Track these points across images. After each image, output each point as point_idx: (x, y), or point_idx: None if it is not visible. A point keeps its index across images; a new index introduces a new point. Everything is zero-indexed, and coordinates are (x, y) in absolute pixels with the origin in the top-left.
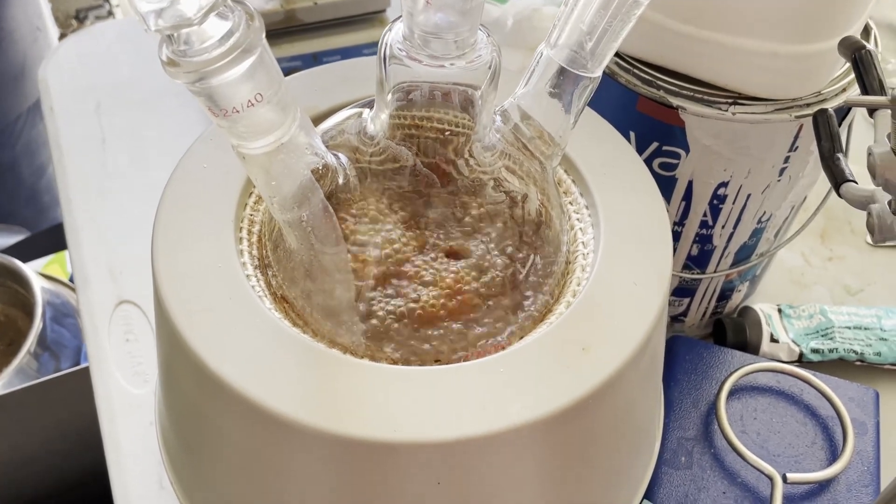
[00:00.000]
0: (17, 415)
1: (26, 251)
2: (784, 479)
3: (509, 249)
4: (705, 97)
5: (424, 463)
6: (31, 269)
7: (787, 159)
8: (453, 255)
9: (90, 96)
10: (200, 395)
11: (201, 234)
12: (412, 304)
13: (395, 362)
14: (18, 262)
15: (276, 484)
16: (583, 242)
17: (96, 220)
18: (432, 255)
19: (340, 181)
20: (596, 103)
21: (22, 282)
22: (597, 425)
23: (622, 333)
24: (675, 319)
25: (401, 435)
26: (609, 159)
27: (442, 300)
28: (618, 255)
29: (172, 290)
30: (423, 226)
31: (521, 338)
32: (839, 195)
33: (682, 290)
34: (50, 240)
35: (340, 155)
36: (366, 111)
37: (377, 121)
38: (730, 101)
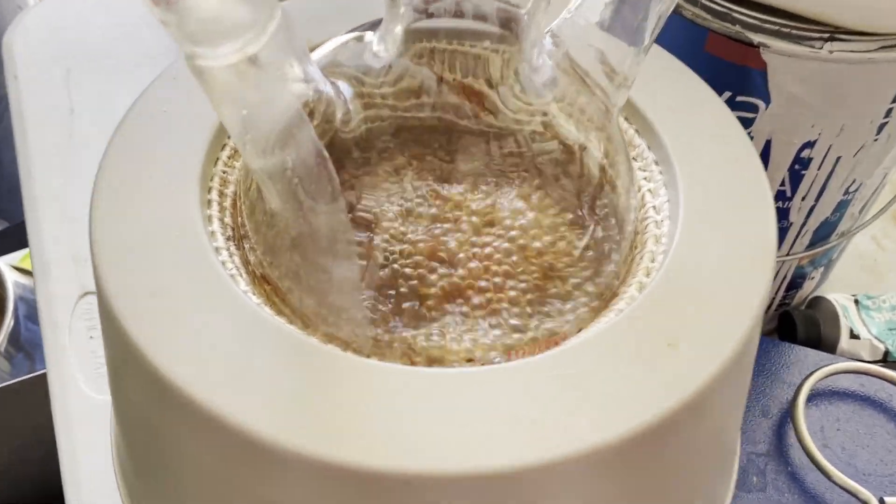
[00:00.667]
0: None
1: (3, 244)
2: (881, 503)
3: (562, 216)
4: (794, 32)
5: (449, 502)
6: (2, 263)
7: (888, 112)
8: (489, 222)
9: (59, 64)
10: (152, 408)
11: (156, 197)
12: (435, 288)
13: (412, 363)
14: None
15: None
16: (654, 207)
17: (59, 199)
18: (462, 221)
19: (339, 117)
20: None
21: None
22: (683, 446)
23: (720, 324)
24: None
25: (419, 465)
26: (682, 102)
27: (475, 281)
28: (703, 221)
29: (114, 270)
30: (450, 182)
31: (580, 330)
32: None
33: None
34: None
35: (340, 83)
36: (368, 34)
37: (388, 38)
38: (825, 36)
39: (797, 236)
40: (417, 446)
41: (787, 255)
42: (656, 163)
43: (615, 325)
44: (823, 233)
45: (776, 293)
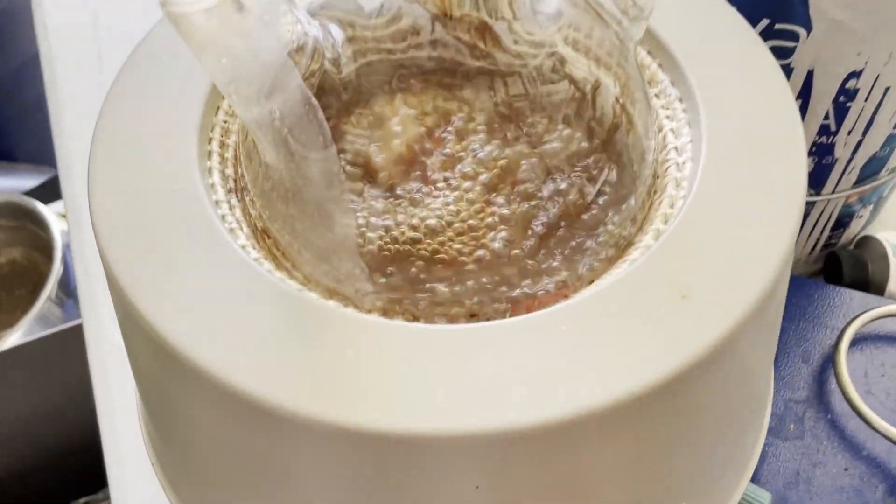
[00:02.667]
0: (39, 364)
1: (53, 191)
2: None
3: (574, 161)
4: None
5: (458, 461)
6: (51, 211)
7: None
8: (494, 169)
9: (86, 8)
10: (154, 365)
11: (154, 149)
12: (438, 240)
13: (415, 318)
14: (38, 203)
15: (276, 492)
16: (675, 148)
17: None
18: (465, 169)
19: (329, 62)
20: None
21: (41, 224)
22: (702, 401)
23: (739, 274)
24: None
25: (424, 425)
26: (710, 34)
27: (480, 234)
28: (726, 164)
29: (110, 225)
30: (452, 127)
31: (591, 282)
32: None
33: None
34: None
35: (331, 26)
36: None
37: None
38: None
39: (843, 173)
40: (422, 406)
41: (833, 192)
42: (680, 100)
43: (626, 277)
44: (872, 169)
45: (821, 234)
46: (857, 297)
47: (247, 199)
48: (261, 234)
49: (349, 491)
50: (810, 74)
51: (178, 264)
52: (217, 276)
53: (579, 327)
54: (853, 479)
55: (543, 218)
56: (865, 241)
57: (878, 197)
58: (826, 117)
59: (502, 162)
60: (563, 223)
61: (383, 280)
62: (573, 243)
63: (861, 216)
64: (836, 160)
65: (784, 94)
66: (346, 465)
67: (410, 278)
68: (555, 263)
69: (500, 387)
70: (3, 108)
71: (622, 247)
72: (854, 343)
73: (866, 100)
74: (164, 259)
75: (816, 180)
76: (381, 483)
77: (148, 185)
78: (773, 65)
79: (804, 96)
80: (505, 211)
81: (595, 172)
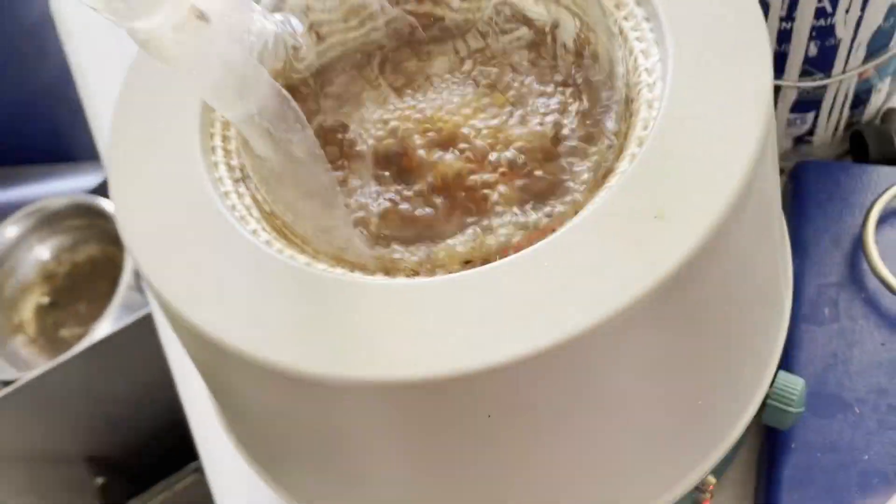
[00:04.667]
0: (131, 348)
1: None
2: None
3: (544, 100)
4: None
5: (468, 398)
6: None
7: None
8: (467, 120)
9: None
10: (200, 352)
11: (164, 152)
12: (420, 191)
13: (415, 273)
14: (101, 200)
15: (329, 452)
16: (646, 70)
17: None
18: (440, 126)
19: (291, 50)
20: None
21: (109, 218)
22: (692, 310)
23: (709, 186)
24: (799, 141)
25: (438, 368)
26: None
27: (463, 182)
28: (694, 77)
29: (134, 232)
30: (422, 90)
31: (577, 212)
32: None
33: (803, 104)
34: None
35: (291, 18)
36: None
37: None
38: None
39: (850, 52)
40: (432, 351)
41: (844, 72)
42: (647, 19)
43: (603, 206)
44: (880, 42)
45: (840, 114)
46: (885, 172)
47: (251, 186)
48: (269, 217)
49: (389, 441)
50: None
51: (197, 257)
52: (231, 263)
53: (560, 261)
54: (891, 353)
55: (524, 160)
56: (890, 114)
57: (895, 69)
58: (820, 0)
59: (476, 114)
60: (542, 161)
61: (379, 244)
62: (555, 179)
63: (880, 90)
64: (840, 40)
65: (753, 11)
66: (381, 418)
67: (401, 233)
68: (540, 202)
69: (495, 324)
70: (57, 110)
71: (603, 174)
72: (884, 219)
73: None
74: (185, 256)
75: (824, 63)
76: (411, 429)
77: (162, 188)
78: None
79: None
80: (485, 162)
81: (567, 105)
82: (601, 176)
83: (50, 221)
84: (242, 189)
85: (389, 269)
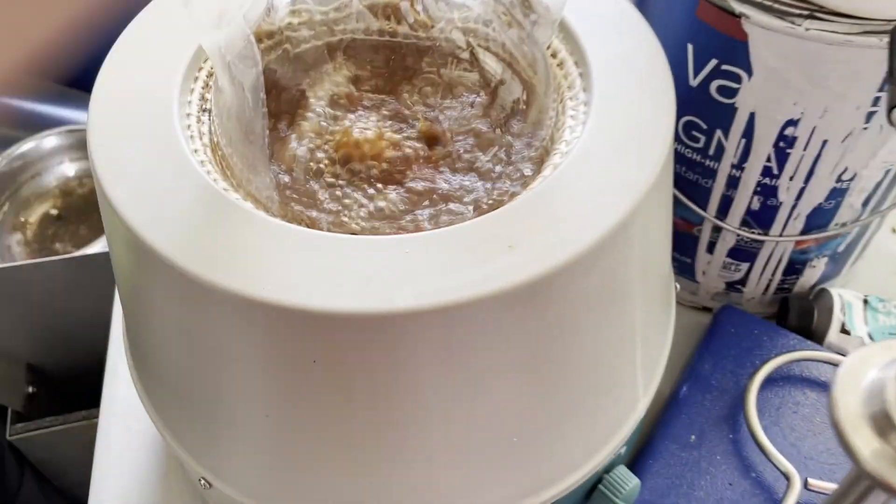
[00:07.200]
0: (95, 276)
1: None
2: (805, 483)
3: (471, 132)
4: (776, 5)
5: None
6: None
7: (876, 101)
8: (400, 118)
9: None
10: (124, 253)
11: (151, 71)
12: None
13: (312, 226)
14: None
15: (208, 364)
16: (566, 141)
17: None
18: (373, 117)
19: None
20: (654, 7)
21: None
22: (539, 326)
23: (561, 237)
24: (731, 287)
25: (276, 296)
26: (626, 54)
27: (380, 163)
28: (593, 154)
29: (98, 124)
30: (378, 92)
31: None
32: (889, 121)
33: (740, 252)
34: None
35: None
36: None
37: None
38: (805, 13)
39: (789, 217)
40: (299, 286)
41: (781, 235)
42: (585, 104)
43: (474, 225)
44: (819, 220)
45: (773, 274)
46: (793, 339)
47: (212, 118)
48: (215, 147)
49: (252, 354)
50: (753, 116)
51: (141, 164)
52: (168, 171)
53: (419, 251)
54: (734, 494)
55: (427, 165)
56: (820, 294)
57: (834, 251)
58: (769, 160)
59: (405, 124)
60: (445, 173)
61: (288, 192)
62: (446, 194)
63: (815, 266)
64: (781, 203)
65: (664, 120)
66: (242, 335)
67: (313, 195)
68: (425, 205)
69: (349, 280)
70: None
71: (492, 206)
72: (776, 379)
73: (805, 149)
74: (131, 156)
75: (763, 220)
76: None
77: (137, 95)
78: (665, 84)
79: (748, 136)
80: (406, 152)
81: (493, 148)
82: (491, 207)
83: (86, 145)
84: (204, 118)
85: (291, 219)
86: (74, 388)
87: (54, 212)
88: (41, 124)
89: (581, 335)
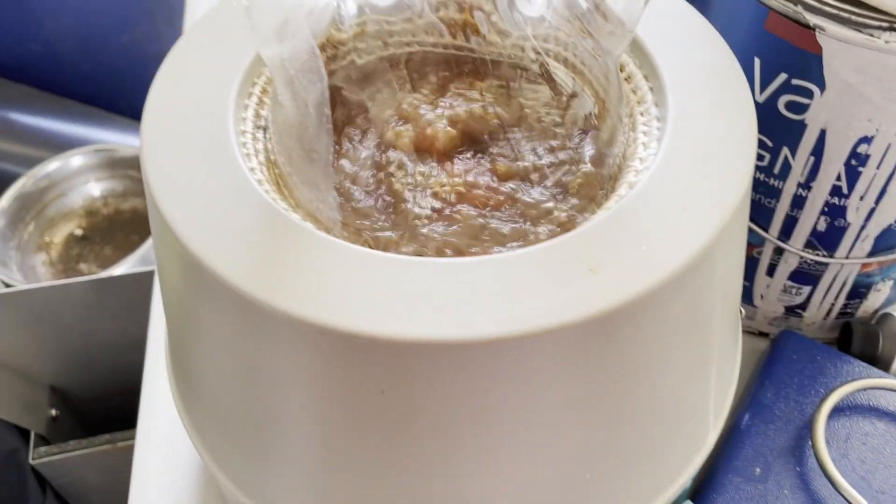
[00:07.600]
0: (123, 297)
1: None
2: None
3: (537, 149)
4: (853, 17)
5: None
6: None
7: None
8: (469, 136)
9: None
10: (170, 263)
11: (204, 86)
12: (405, 182)
13: (378, 248)
14: None
15: (258, 390)
16: (640, 158)
17: None
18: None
19: (338, 17)
20: (718, 19)
21: None
22: (609, 360)
23: (647, 260)
24: (791, 311)
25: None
26: (700, 67)
27: (446, 191)
28: (673, 172)
29: (152, 143)
30: (436, 105)
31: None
32: None
33: (802, 275)
34: None
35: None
36: None
37: None
38: (884, 25)
39: (857, 239)
40: (368, 311)
41: (847, 258)
42: (658, 119)
43: (548, 248)
44: (888, 241)
45: (836, 299)
46: (858, 366)
47: (269, 135)
48: (271, 165)
49: (314, 383)
50: (823, 133)
51: (197, 177)
52: (225, 192)
53: (502, 275)
54: None
55: (499, 193)
56: (885, 318)
57: None
58: (838, 178)
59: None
60: (513, 199)
61: (351, 214)
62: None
63: (879, 290)
64: (849, 224)
65: (745, 123)
66: (300, 360)
67: (378, 218)
68: (494, 232)
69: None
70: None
71: (567, 228)
72: (844, 409)
73: (878, 167)
74: (186, 173)
75: (829, 242)
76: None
77: (190, 112)
78: (747, 103)
79: (818, 154)
80: (477, 178)
81: (556, 165)
82: (565, 228)
83: (113, 165)
84: (259, 135)
85: (353, 240)
86: (98, 411)
87: (79, 232)
88: (63, 144)
89: (664, 364)
